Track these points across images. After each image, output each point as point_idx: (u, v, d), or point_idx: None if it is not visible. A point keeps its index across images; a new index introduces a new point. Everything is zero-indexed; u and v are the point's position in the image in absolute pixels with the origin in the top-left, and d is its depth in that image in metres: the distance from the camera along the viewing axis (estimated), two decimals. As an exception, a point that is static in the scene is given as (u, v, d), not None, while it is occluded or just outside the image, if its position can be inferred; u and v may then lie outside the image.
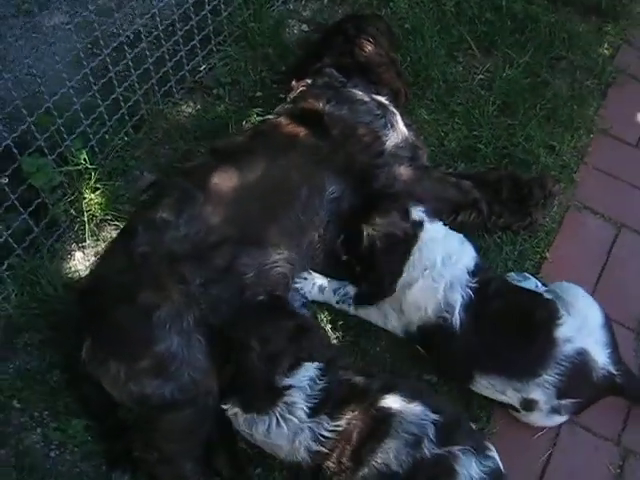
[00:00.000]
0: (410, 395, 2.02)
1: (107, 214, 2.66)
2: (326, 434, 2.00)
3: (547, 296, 2.33)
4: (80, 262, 2.59)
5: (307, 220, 2.43)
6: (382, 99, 2.75)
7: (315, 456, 2.01)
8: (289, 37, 3.27)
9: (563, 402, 2.21)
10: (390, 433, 1.95)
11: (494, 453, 2.00)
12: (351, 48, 2.83)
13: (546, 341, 2.20)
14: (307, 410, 2.02)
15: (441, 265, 2.30)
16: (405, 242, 2.34)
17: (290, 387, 2.05)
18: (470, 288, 2.29)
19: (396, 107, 2.78)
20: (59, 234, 2.60)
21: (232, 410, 2.11)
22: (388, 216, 2.34)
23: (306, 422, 2.02)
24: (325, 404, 2.02)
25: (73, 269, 2.56)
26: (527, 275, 2.59)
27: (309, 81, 2.77)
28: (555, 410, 2.23)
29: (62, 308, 2.43)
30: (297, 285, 2.49)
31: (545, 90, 3.13)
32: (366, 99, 2.68)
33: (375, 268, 2.36)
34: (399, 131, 2.66)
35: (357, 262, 2.45)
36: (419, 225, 2.35)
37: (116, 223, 2.65)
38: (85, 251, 2.62)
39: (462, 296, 2.27)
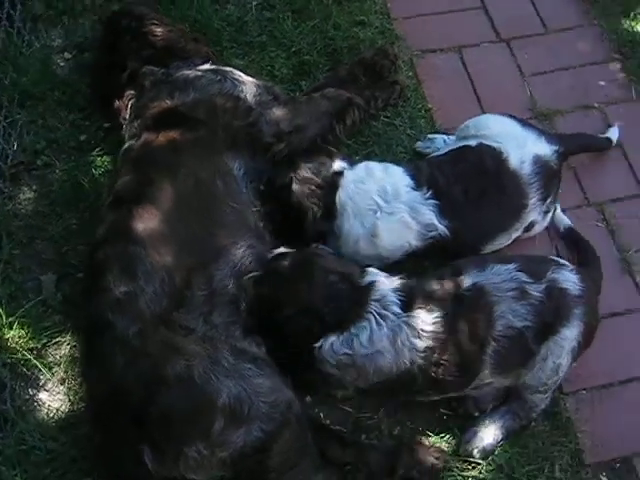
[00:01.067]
0: (478, 265, 2.09)
1: (41, 338, 2.32)
2: (428, 328, 2.00)
3: (472, 144, 2.42)
4: (52, 399, 2.26)
5: (239, 205, 2.34)
6: (208, 66, 2.64)
7: (427, 354, 2.00)
8: (63, 70, 2.95)
9: (547, 202, 2.41)
10: (494, 301, 2.01)
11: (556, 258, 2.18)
12: (145, 39, 2.67)
13: (511, 178, 2.34)
14: (399, 302, 2.03)
15: (384, 201, 2.30)
16: (327, 189, 2.35)
17: (374, 282, 2.06)
18: (428, 198, 2.31)
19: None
20: (10, 391, 2.23)
21: (327, 341, 2.03)
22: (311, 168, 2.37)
23: (403, 317, 2.01)
24: (414, 299, 2.04)
25: (53, 410, 2.23)
26: (430, 136, 2.71)
27: (133, 92, 2.59)
28: (546, 212, 2.44)
29: (78, 450, 2.13)
30: None
31: (316, -21, 3.17)
32: (199, 73, 2.56)
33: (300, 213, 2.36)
34: (247, 82, 2.58)
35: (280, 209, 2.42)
36: (339, 174, 2.35)
37: (57, 340, 2.33)
38: (47, 387, 2.28)
39: (430, 210, 2.29)
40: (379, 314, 2.02)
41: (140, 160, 2.34)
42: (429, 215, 2.30)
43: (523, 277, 2.04)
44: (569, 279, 2.07)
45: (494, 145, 2.38)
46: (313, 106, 2.65)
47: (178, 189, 2.24)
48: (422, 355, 2.01)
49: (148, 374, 1.95)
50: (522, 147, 2.38)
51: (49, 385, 2.28)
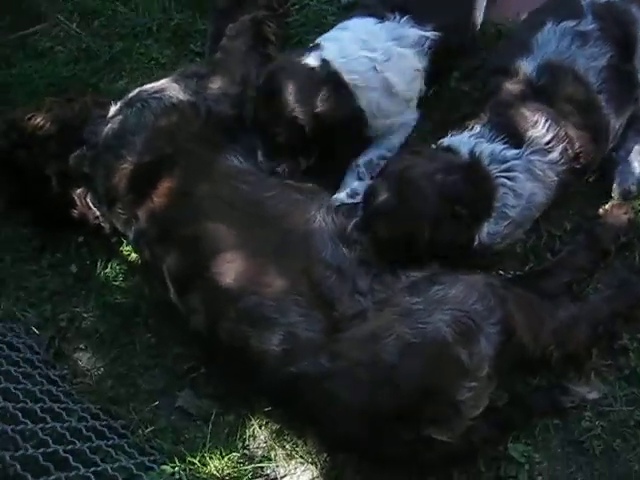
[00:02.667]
0: (521, 51, 2.03)
1: (236, 444, 2.11)
2: (548, 136, 1.93)
3: None
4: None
5: (273, 189, 2.12)
6: (115, 106, 2.34)
7: (564, 157, 1.94)
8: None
9: None
10: (569, 63, 1.97)
11: None
12: (39, 139, 2.32)
13: None
14: (508, 145, 1.94)
15: (372, 52, 2.15)
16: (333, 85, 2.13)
17: (472, 151, 1.94)
18: (399, 19, 2.19)
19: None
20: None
21: (481, 233, 1.94)
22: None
23: (524, 152, 1.94)
24: (514, 126, 1.97)
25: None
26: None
27: (80, 189, 2.32)
28: None
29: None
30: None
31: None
32: (119, 117, 2.27)
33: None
34: (164, 86, 2.31)
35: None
36: (326, 62, 2.12)
37: (252, 434, 2.13)
38: (288, 470, 2.11)
39: (409, 27, 2.19)
40: (506, 176, 1.90)
41: (163, 234, 2.09)
42: (412, 31, 2.21)
43: (570, 23, 1.96)
44: None
45: None
46: (233, 53, 2.40)
47: (221, 223, 2.03)
48: (561, 161, 1.94)
49: (374, 375, 1.83)
50: None
51: (289, 467, 2.10)
